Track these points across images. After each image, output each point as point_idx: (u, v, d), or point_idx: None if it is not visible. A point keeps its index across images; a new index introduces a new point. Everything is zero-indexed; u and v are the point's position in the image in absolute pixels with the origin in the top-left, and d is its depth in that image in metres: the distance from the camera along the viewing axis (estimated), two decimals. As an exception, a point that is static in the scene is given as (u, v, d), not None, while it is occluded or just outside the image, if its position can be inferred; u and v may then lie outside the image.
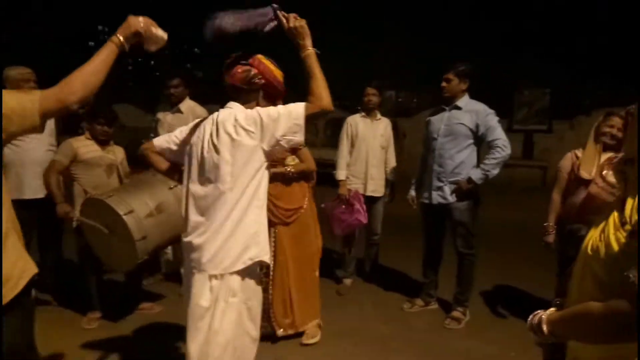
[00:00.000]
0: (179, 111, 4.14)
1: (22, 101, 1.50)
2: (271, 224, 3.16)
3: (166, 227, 3.07)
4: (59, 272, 4.08)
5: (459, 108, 3.56)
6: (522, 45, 15.04)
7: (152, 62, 21.69)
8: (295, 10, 1.92)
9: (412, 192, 3.93)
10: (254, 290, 2.02)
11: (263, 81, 2.00)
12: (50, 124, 3.77)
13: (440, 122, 3.64)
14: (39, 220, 3.73)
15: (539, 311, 1.34)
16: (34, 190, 3.65)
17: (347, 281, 4.40)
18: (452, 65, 3.58)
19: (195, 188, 1.99)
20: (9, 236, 1.58)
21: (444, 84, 3.60)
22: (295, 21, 1.89)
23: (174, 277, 4.37)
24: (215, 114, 2.03)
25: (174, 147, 2.15)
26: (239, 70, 1.98)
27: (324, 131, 10.85)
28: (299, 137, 1.91)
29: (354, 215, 4.11)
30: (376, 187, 4.27)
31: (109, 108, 3.74)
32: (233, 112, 1.96)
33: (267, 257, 2.02)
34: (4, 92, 1.51)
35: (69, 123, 4.36)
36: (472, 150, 3.57)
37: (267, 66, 2.00)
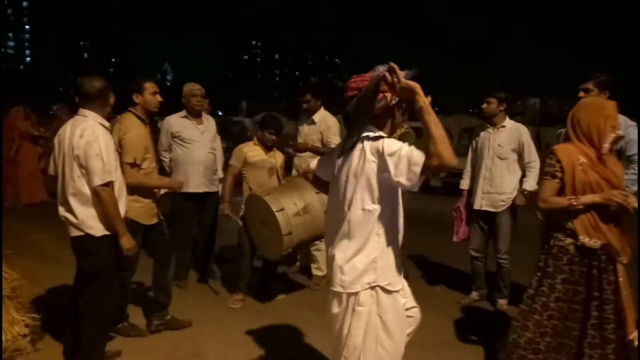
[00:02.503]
0: (313, 122, 4.48)
1: None
2: None
3: (309, 226, 3.52)
4: (218, 259, 4.81)
5: (596, 120, 3.39)
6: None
7: (297, 73, 23.30)
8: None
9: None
10: (389, 305, 2.01)
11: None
12: (212, 130, 4.48)
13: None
14: (198, 211, 4.40)
15: None
16: (197, 185, 4.28)
17: (474, 295, 4.26)
18: (590, 75, 3.41)
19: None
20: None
21: (581, 94, 3.42)
22: (400, 83, 1.86)
23: (307, 270, 4.82)
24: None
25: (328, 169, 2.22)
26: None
27: (458, 139, 10.64)
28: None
29: (458, 229, 4.19)
30: (491, 202, 3.98)
31: (276, 119, 4.28)
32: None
33: (384, 283, 1.99)
34: None
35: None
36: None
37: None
